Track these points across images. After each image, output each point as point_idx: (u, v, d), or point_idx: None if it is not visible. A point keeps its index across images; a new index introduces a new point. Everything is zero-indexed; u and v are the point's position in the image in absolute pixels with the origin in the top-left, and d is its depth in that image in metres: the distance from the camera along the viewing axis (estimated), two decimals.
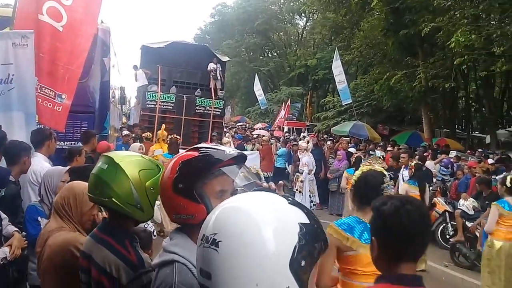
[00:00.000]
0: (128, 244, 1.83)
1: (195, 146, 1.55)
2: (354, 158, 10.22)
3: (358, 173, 2.94)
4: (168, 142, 8.95)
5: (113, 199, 1.80)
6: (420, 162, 8.01)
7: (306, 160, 10.72)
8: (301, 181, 10.85)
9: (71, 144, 6.12)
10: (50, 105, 5.12)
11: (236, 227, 0.96)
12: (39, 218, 3.39)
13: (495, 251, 5.28)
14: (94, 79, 6.52)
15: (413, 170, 7.38)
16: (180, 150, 9.69)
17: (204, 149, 1.48)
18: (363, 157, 10.38)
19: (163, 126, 10.47)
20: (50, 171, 3.59)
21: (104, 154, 1.98)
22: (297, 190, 10.75)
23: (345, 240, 2.72)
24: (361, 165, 3.03)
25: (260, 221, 0.96)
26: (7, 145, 3.84)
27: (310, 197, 10.26)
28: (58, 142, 5.89)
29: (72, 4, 5.20)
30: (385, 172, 2.93)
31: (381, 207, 1.72)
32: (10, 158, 3.77)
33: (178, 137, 9.82)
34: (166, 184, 1.47)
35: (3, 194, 3.04)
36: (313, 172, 10.52)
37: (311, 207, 10.00)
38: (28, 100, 4.65)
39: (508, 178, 5.29)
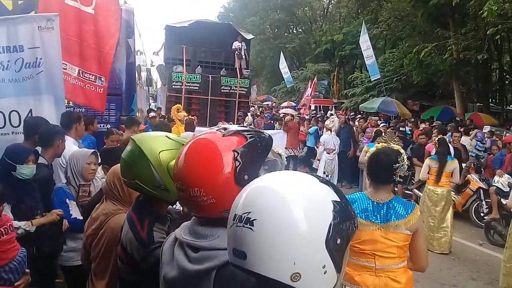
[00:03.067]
0: (146, 222, 1.83)
1: (221, 127, 1.40)
2: (373, 132, 9.99)
3: (372, 149, 2.85)
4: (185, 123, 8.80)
5: (137, 181, 1.81)
6: (444, 137, 7.76)
7: (324, 138, 10.56)
8: (318, 160, 10.72)
9: (101, 126, 6.18)
10: (92, 88, 5.30)
11: (271, 205, 0.95)
12: (67, 200, 3.45)
13: None
14: (120, 61, 6.51)
15: (436, 145, 7.23)
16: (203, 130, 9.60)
17: (249, 132, 1.37)
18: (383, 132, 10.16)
19: (176, 106, 9.87)
20: (75, 154, 3.63)
21: (130, 136, 1.98)
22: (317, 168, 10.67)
23: None
24: (375, 142, 2.92)
25: (295, 199, 0.95)
26: (41, 128, 3.87)
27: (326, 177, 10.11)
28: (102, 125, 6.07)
29: None
30: (402, 151, 2.80)
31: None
32: (44, 141, 3.81)
33: (193, 117, 9.70)
34: (224, 177, 1.29)
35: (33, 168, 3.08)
36: (335, 152, 10.32)
37: None
38: (56, 82, 4.69)
39: None
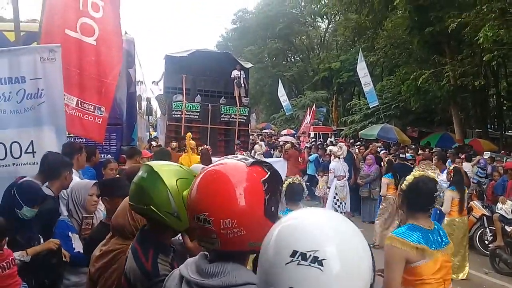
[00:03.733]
0: (150, 253, 1.80)
1: (241, 158, 1.39)
2: (385, 162, 9.95)
3: (410, 178, 2.80)
4: (200, 153, 8.73)
5: (151, 206, 1.80)
6: (458, 166, 7.67)
7: (333, 166, 10.54)
8: (328, 188, 10.66)
9: (101, 156, 6.14)
10: (91, 118, 5.26)
11: (340, 244, 0.95)
12: (69, 234, 3.37)
13: None
14: (121, 91, 6.55)
15: (451, 174, 7.06)
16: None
17: (265, 164, 1.36)
18: (393, 160, 10.13)
19: (189, 134, 10.13)
20: (76, 185, 3.58)
21: (145, 163, 2.01)
22: (322, 196, 10.61)
23: (414, 250, 2.59)
24: (414, 170, 2.91)
25: (356, 239, 0.99)
26: (49, 158, 3.83)
27: (336, 204, 10.05)
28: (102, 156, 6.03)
29: (103, 16, 5.27)
30: (437, 179, 2.81)
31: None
32: (51, 173, 3.74)
33: (208, 147, 9.68)
34: (254, 209, 1.27)
35: (35, 212, 3.04)
36: (345, 178, 10.30)
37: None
38: (57, 113, 4.67)
39: None
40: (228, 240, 1.26)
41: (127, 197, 2.21)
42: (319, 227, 0.98)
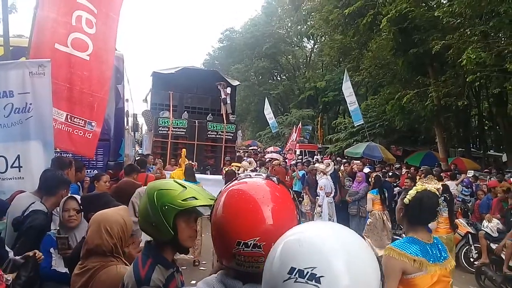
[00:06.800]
0: (148, 262, 1.85)
1: (257, 175, 1.38)
2: (372, 178, 9.99)
3: (412, 192, 2.79)
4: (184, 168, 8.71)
5: (139, 218, 1.97)
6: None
7: (323, 183, 10.56)
8: (319, 205, 10.67)
9: (87, 172, 6.07)
10: (81, 133, 5.20)
11: (339, 261, 0.89)
12: (51, 249, 3.28)
13: None
14: (109, 106, 6.51)
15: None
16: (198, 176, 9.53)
17: (276, 179, 1.36)
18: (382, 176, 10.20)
19: (184, 151, 10.30)
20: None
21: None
22: (316, 213, 10.63)
23: (412, 261, 2.60)
24: (416, 184, 2.93)
25: (360, 255, 0.93)
26: (47, 175, 3.78)
27: (329, 220, 10.12)
28: (89, 171, 5.95)
29: (96, 33, 5.29)
30: (438, 193, 2.85)
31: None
32: (48, 189, 3.70)
33: (193, 163, 9.67)
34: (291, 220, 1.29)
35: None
36: (332, 195, 10.36)
37: None
38: (45, 128, 4.63)
39: None
40: None
41: (99, 215, 2.31)
42: (320, 242, 0.92)
